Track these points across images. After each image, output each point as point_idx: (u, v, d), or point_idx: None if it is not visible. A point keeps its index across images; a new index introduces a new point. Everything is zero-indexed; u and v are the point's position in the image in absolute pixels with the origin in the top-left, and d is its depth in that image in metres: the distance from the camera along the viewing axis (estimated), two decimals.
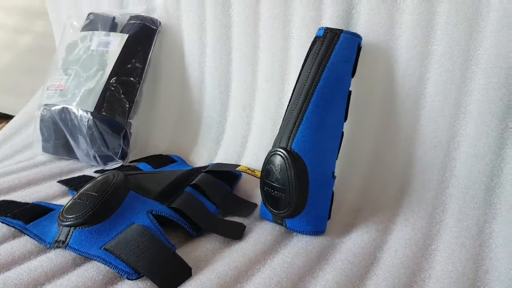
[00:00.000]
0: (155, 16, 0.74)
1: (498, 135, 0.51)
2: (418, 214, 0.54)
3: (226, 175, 0.62)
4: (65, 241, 0.43)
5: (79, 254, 0.42)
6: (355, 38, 0.53)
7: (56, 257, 0.43)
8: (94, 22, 0.75)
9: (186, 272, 0.41)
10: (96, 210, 0.45)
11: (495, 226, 0.50)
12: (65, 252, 0.44)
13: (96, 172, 0.67)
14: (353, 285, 0.42)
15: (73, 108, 0.67)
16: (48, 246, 0.44)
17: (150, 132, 0.77)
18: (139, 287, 0.39)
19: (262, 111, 0.67)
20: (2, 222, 0.48)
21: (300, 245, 0.48)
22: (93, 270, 0.41)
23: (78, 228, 0.44)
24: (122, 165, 0.67)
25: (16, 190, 0.59)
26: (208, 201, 0.54)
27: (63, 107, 0.68)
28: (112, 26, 0.75)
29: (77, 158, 0.71)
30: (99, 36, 0.72)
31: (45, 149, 0.73)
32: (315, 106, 0.50)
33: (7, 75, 1.13)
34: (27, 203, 0.52)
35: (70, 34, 0.78)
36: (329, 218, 0.52)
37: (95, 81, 0.68)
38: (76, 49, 0.73)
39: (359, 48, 0.53)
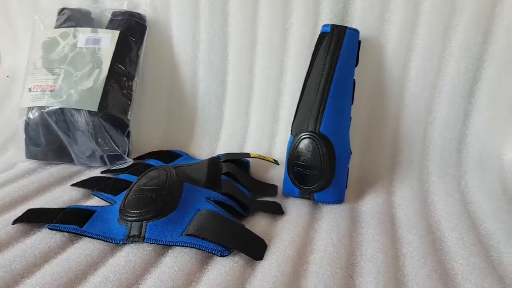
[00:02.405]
0: (139, 11, 0.73)
1: (464, 109, 0.65)
2: (410, 176, 0.66)
3: (240, 163, 0.66)
4: (140, 235, 0.44)
5: (161, 244, 0.44)
6: (356, 34, 0.62)
7: (137, 250, 0.44)
8: (73, 18, 0.71)
9: (263, 244, 0.46)
10: (165, 202, 0.46)
11: (468, 178, 0.65)
12: (141, 245, 0.45)
13: (103, 172, 0.65)
14: (390, 234, 0.51)
15: (72, 108, 0.64)
16: (120, 242, 0.45)
17: (142, 129, 0.76)
18: (232, 261, 0.43)
19: (261, 101, 0.73)
20: (52, 229, 0.46)
21: (334, 211, 0.56)
22: (182, 255, 0.43)
23: (151, 221, 0.45)
24: (132, 164, 0.66)
25: (30, 199, 0.56)
26: (242, 186, 0.59)
27: (58, 109, 0.64)
28: (90, 21, 0.72)
29: (69, 162, 0.68)
30: (85, 32, 0.70)
31: (30, 155, 0.68)
32: (334, 94, 0.58)
33: None
34: (63, 208, 0.50)
35: (41, 31, 0.73)
36: (346, 187, 0.61)
37: (92, 80, 0.66)
38: (57, 47, 0.69)
39: (359, 42, 0.62)
